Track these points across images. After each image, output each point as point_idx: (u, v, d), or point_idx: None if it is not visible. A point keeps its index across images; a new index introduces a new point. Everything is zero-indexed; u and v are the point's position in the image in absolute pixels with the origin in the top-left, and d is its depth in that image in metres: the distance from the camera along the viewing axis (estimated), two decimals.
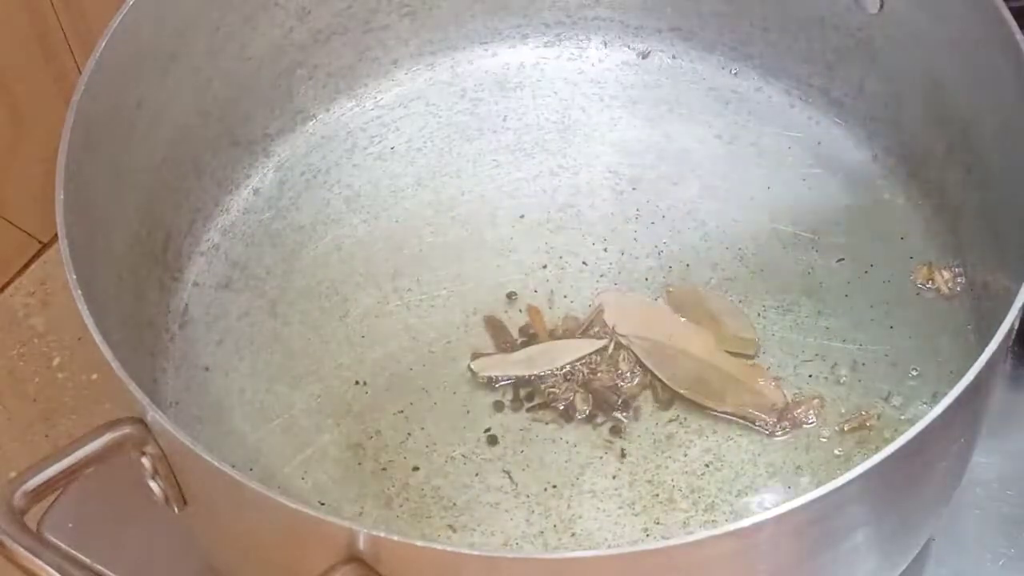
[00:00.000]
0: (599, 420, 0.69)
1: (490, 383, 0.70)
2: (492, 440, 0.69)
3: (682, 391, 0.69)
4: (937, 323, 0.71)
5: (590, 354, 0.70)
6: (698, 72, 0.81)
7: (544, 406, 0.69)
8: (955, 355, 0.69)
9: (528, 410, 0.69)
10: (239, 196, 0.78)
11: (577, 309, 0.73)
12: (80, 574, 0.55)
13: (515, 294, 0.73)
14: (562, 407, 0.69)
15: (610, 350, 0.70)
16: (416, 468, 0.68)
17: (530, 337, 0.72)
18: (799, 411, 0.68)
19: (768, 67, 0.80)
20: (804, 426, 0.68)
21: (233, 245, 0.77)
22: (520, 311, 0.73)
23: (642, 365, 0.70)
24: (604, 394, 0.69)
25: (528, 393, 0.70)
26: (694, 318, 0.71)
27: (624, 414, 0.69)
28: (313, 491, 0.68)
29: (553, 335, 0.71)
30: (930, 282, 0.72)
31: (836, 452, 0.67)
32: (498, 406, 0.70)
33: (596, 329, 0.71)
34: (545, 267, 0.74)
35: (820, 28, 0.77)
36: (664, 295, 0.72)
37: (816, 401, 0.68)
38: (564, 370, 0.70)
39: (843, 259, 0.74)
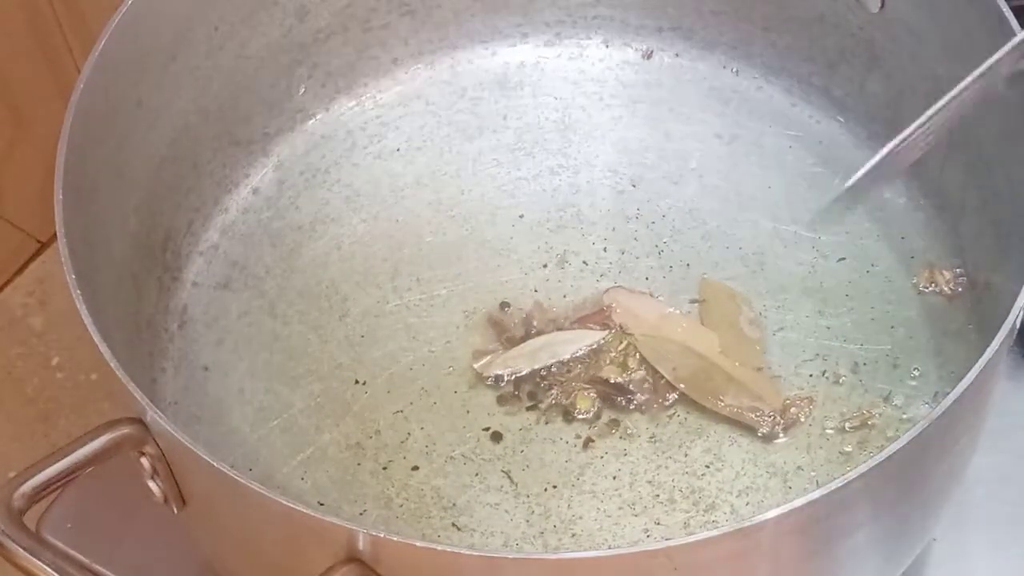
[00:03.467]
0: (600, 420, 0.69)
1: (496, 381, 0.70)
2: (496, 437, 0.68)
3: (681, 387, 0.69)
4: (938, 323, 0.71)
5: (593, 347, 0.70)
6: (699, 71, 0.81)
7: (546, 406, 0.69)
8: (956, 355, 0.69)
9: (528, 409, 0.69)
10: (238, 195, 0.78)
11: (578, 309, 0.73)
12: (79, 574, 0.54)
13: (508, 304, 0.73)
14: (564, 405, 0.69)
15: (616, 348, 0.70)
16: (416, 468, 0.68)
17: (530, 332, 0.72)
18: (791, 411, 0.68)
19: (769, 66, 0.80)
20: (797, 426, 0.68)
21: (232, 245, 0.77)
22: (520, 309, 0.73)
23: (645, 362, 0.70)
24: (607, 393, 0.69)
25: (530, 392, 0.70)
26: (712, 315, 0.71)
27: (626, 413, 0.69)
28: (313, 491, 0.68)
29: (555, 327, 0.71)
30: (932, 284, 0.72)
31: (837, 452, 0.67)
32: (498, 405, 0.70)
33: (598, 320, 0.71)
34: (545, 267, 0.74)
35: (821, 27, 0.77)
36: (698, 282, 0.73)
37: (806, 400, 0.68)
38: (567, 364, 0.70)
39: (844, 259, 0.74)
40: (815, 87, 0.79)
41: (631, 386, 0.69)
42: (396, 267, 0.75)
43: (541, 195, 0.77)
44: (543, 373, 0.70)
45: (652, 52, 0.82)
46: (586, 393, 0.69)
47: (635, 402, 0.69)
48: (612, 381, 0.69)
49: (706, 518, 0.65)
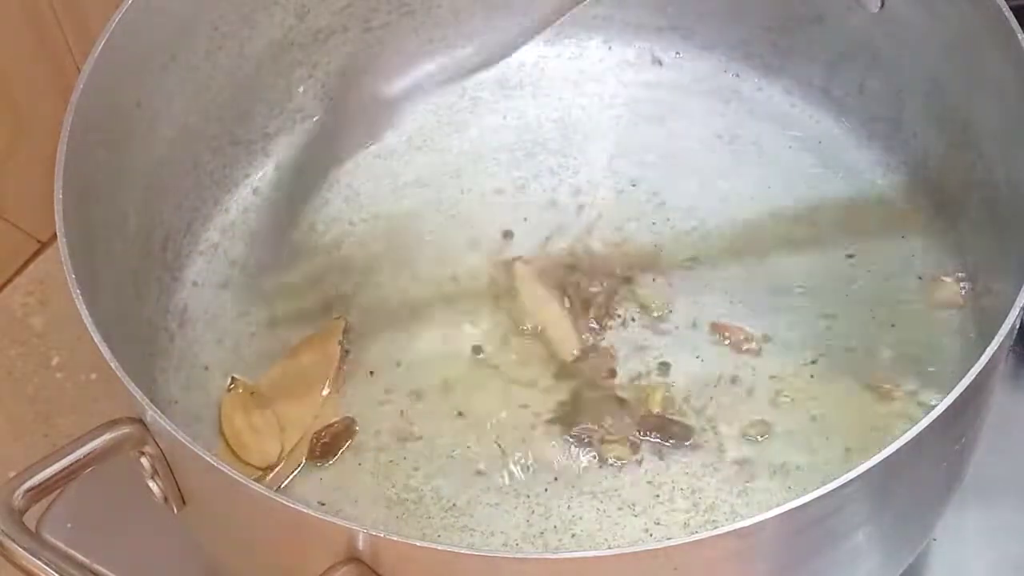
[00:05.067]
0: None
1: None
2: (496, 436, 0.68)
3: None
4: (938, 323, 0.71)
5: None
6: (699, 71, 0.81)
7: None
8: (955, 355, 0.69)
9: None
10: (238, 195, 0.78)
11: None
12: (79, 574, 0.54)
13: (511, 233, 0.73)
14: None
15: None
16: (416, 468, 0.68)
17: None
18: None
19: (769, 66, 0.80)
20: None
21: (232, 244, 0.77)
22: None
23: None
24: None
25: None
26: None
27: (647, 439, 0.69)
28: (313, 491, 0.68)
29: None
30: (932, 284, 0.72)
31: (837, 452, 0.67)
32: (497, 405, 0.70)
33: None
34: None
35: (821, 27, 0.77)
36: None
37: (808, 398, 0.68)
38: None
39: (843, 258, 0.74)
40: (815, 87, 0.79)
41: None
42: (396, 267, 0.75)
43: (541, 195, 0.77)
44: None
45: (652, 52, 0.82)
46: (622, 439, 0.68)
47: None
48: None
49: (706, 518, 0.65)
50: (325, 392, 0.70)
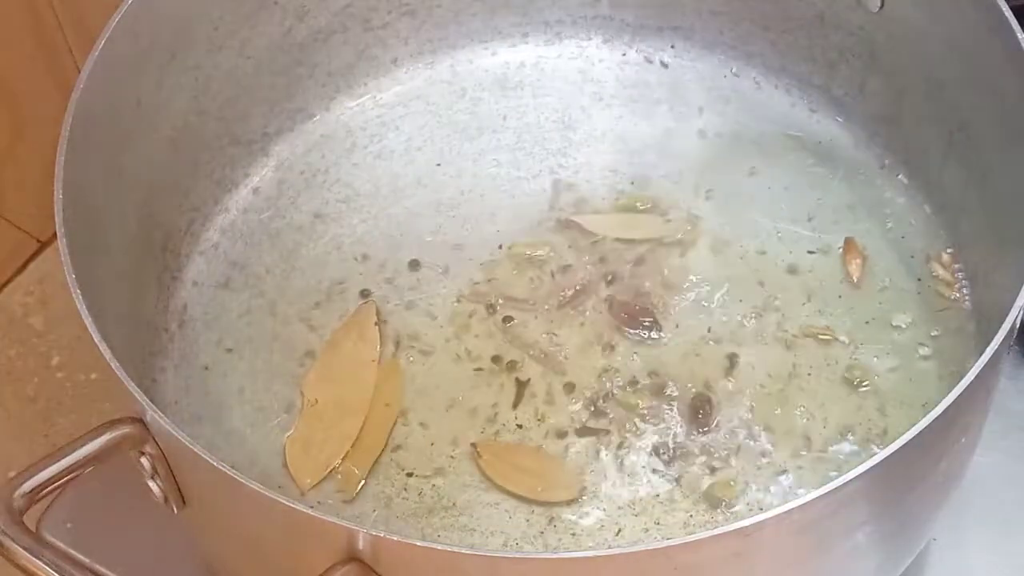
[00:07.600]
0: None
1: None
2: (496, 436, 0.68)
3: None
4: (938, 323, 0.71)
5: None
6: (698, 71, 0.81)
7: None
8: (955, 355, 0.69)
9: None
10: (238, 195, 0.78)
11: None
12: (79, 574, 0.54)
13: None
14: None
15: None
16: (416, 468, 0.68)
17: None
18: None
19: (769, 66, 0.80)
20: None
21: (232, 244, 0.77)
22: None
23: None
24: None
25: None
26: None
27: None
28: (313, 491, 0.68)
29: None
30: (932, 284, 0.72)
31: (837, 451, 0.67)
32: (497, 406, 0.70)
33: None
34: (550, 271, 0.74)
35: (820, 27, 0.77)
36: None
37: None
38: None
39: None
40: (815, 87, 0.79)
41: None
42: (396, 267, 0.75)
43: (541, 195, 0.77)
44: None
45: (651, 52, 0.82)
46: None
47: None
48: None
49: (706, 518, 0.65)
50: (372, 376, 0.70)
